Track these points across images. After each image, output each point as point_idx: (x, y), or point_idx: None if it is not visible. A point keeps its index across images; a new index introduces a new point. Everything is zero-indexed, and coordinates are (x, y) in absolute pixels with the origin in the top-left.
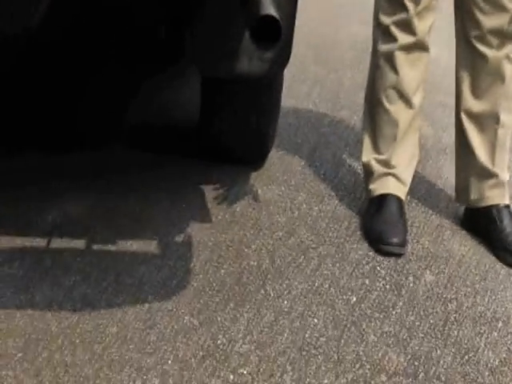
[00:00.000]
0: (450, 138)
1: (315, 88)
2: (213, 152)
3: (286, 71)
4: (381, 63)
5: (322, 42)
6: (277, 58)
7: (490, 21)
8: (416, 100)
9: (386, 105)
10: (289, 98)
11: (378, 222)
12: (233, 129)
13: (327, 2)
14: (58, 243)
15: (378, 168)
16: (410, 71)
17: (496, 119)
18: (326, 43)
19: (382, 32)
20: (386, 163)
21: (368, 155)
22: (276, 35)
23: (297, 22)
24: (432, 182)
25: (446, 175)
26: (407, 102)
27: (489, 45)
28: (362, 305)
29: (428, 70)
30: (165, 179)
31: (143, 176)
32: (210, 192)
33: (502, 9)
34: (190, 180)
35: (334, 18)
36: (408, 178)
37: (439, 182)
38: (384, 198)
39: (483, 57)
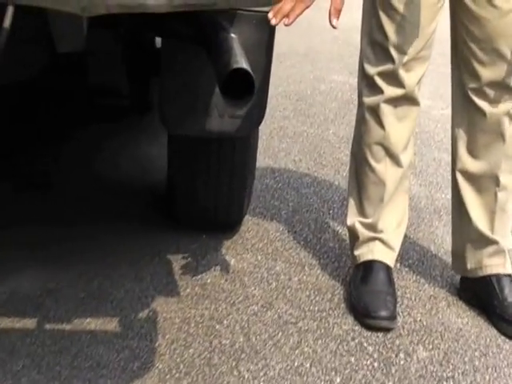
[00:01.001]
0: (444, 198)
1: (295, 145)
2: (181, 216)
3: (262, 126)
4: (366, 116)
5: (302, 93)
6: (250, 115)
7: (488, 72)
8: (405, 158)
9: (372, 162)
10: (265, 156)
11: (365, 293)
12: (203, 191)
13: (307, 48)
14: (4, 323)
15: (363, 232)
16: (397, 126)
17: (496, 181)
18: (307, 94)
19: (366, 83)
20: (372, 227)
21: (353, 218)
22: (248, 90)
23: (273, 71)
24: (425, 248)
25: (440, 240)
26: (395, 159)
27: (487, 99)
28: None
29: (417, 124)
30: (126, 248)
31: (101, 245)
32: (177, 262)
33: (501, 58)
34: (154, 248)
35: (316, 66)
36: (397, 243)
37: (433, 248)
38: (370, 265)
39: (481, 112)
